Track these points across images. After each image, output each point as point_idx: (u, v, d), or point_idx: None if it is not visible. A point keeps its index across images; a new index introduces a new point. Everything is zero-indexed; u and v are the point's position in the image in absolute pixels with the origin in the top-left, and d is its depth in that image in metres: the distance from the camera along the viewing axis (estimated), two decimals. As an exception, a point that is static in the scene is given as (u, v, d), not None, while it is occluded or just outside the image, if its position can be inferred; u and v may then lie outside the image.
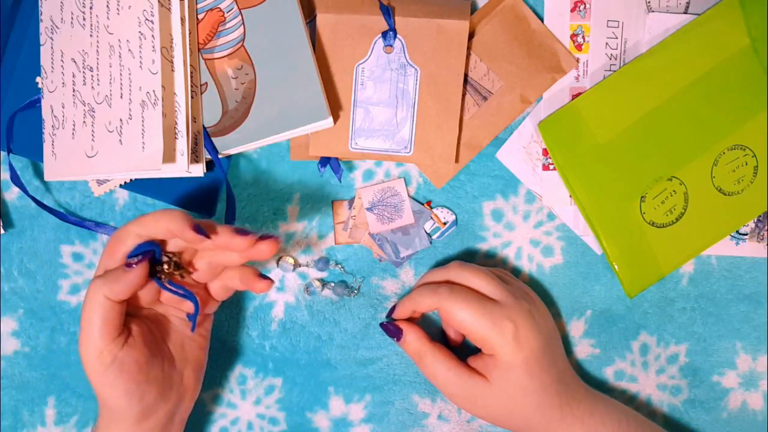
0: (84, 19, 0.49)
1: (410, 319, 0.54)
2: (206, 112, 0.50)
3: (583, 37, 0.54)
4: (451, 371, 0.50)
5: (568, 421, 0.50)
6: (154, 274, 0.45)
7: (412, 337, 0.52)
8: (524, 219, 0.56)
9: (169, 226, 0.43)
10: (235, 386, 0.57)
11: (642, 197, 0.53)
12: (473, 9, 0.54)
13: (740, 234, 0.56)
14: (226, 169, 0.53)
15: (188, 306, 0.48)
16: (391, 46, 0.52)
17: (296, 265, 0.56)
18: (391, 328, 0.52)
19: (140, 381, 0.45)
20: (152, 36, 0.47)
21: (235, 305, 0.56)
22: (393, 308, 0.53)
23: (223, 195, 0.55)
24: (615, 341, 0.57)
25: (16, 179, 0.52)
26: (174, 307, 0.49)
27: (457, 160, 0.54)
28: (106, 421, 0.47)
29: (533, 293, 0.53)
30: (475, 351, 0.52)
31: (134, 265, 0.43)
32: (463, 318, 0.49)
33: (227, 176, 0.53)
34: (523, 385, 0.49)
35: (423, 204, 0.55)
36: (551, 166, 0.55)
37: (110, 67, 0.48)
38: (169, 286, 0.46)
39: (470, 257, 0.56)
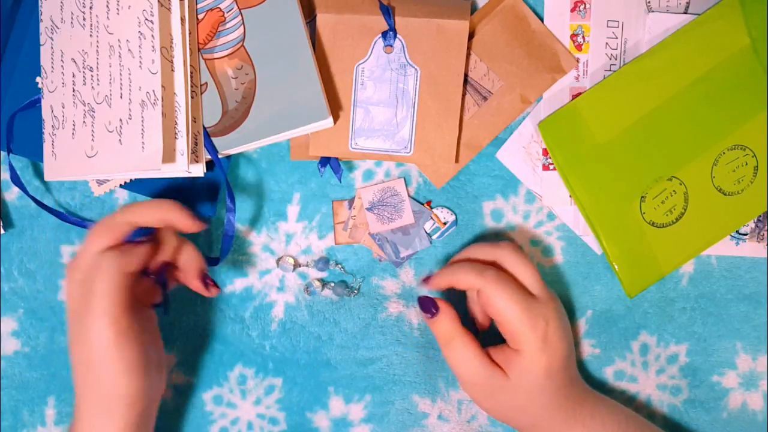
0: (84, 19, 0.49)
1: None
2: (206, 112, 0.50)
3: (583, 37, 0.54)
4: (477, 360, 0.49)
5: (570, 423, 0.50)
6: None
7: (447, 317, 0.49)
8: (524, 219, 0.56)
9: (166, 217, 0.46)
10: (235, 386, 0.57)
11: (642, 197, 0.53)
12: (473, 9, 0.54)
13: (740, 234, 0.56)
14: (226, 169, 0.53)
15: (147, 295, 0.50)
16: (391, 46, 0.52)
17: (296, 265, 0.56)
18: (429, 303, 0.50)
19: (141, 358, 0.45)
20: (152, 36, 0.46)
21: (235, 305, 0.56)
22: (428, 277, 0.52)
23: (223, 195, 0.55)
24: (615, 341, 0.57)
25: (16, 179, 0.52)
26: (140, 298, 0.49)
27: (457, 160, 0.54)
28: (92, 414, 0.46)
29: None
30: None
31: (145, 242, 0.46)
32: (503, 307, 0.48)
33: (227, 176, 0.53)
34: (540, 384, 0.48)
35: (423, 204, 0.55)
36: (551, 166, 0.55)
37: (110, 67, 0.48)
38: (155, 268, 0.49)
39: (470, 257, 0.56)
